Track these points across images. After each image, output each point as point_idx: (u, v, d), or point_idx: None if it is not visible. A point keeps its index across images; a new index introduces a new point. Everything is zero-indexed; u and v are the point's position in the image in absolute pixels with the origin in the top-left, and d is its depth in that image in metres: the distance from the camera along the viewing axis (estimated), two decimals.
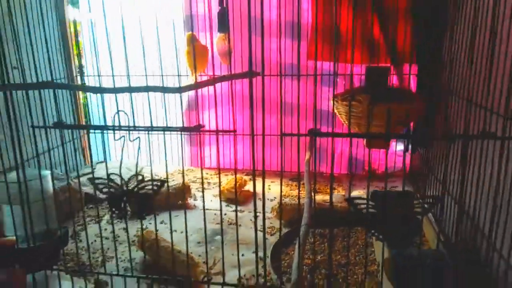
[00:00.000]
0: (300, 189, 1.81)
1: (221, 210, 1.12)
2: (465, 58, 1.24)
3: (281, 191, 1.00)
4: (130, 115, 1.03)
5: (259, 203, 1.02)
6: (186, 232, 1.03)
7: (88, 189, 1.80)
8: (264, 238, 1.02)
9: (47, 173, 1.23)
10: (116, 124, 1.01)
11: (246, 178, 2.04)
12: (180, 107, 1.46)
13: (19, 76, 1.13)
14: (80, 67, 2.31)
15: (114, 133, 1.03)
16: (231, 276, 1.22)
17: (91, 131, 2.28)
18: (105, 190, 1.07)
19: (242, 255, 1.37)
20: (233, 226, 1.62)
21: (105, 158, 1.13)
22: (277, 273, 1.24)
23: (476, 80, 1.07)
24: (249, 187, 1.97)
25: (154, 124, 1.03)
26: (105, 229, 1.59)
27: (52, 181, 1.18)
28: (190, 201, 1.87)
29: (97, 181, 1.07)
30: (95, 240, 1.50)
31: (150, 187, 1.05)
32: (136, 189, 1.05)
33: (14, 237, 1.13)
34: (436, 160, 1.54)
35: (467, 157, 0.97)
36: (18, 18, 1.12)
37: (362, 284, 1.14)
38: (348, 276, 1.23)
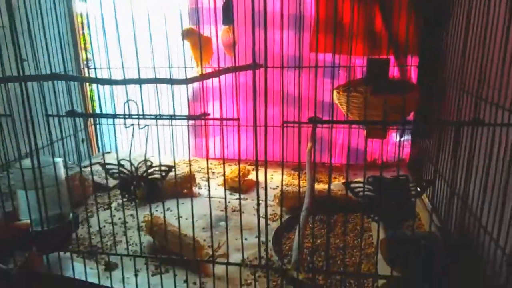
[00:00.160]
0: (302, 178, 1.87)
1: (225, 197, 1.18)
2: (460, 49, 1.29)
3: (282, 179, 1.05)
4: (139, 104, 1.09)
5: (262, 192, 1.06)
6: (193, 217, 1.08)
7: (96, 177, 1.87)
8: (266, 224, 1.07)
9: (59, 160, 1.30)
10: (125, 113, 1.07)
11: (250, 167, 2.09)
12: (186, 98, 1.52)
13: (34, 67, 1.18)
14: (87, 59, 2.37)
15: (125, 121, 1.09)
16: (235, 258, 1.28)
17: (102, 121, 2.34)
18: (115, 175, 1.13)
19: (245, 239, 1.43)
20: (236, 212, 1.68)
21: (116, 146, 1.19)
22: (278, 255, 1.30)
23: (469, 70, 1.12)
24: (252, 176, 2.03)
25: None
26: (114, 216, 1.66)
27: (66, 168, 1.24)
28: (195, 189, 1.93)
29: (107, 167, 1.13)
30: (104, 226, 1.56)
31: (158, 172, 1.11)
32: (145, 174, 1.11)
33: (29, 221, 1.20)
34: (431, 147, 1.60)
35: (460, 143, 1.02)
36: (31, 12, 1.16)
37: (359, 265, 1.20)
38: (346, 258, 1.29)
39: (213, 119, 1.04)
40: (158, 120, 1.09)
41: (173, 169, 1.10)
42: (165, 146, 2.11)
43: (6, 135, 1.16)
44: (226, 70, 1.18)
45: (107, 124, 2.24)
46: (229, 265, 1.08)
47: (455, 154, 0.96)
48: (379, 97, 1.40)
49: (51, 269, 1.17)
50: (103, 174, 1.97)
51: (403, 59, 1.96)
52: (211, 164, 2.32)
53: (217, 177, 2.13)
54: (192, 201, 1.07)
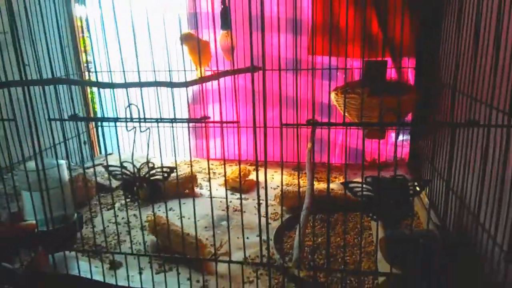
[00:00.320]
0: (302, 177, 1.89)
1: (226, 197, 1.21)
2: (454, 51, 1.31)
3: (281, 179, 1.07)
4: (140, 108, 1.11)
5: (262, 192, 1.07)
6: (195, 217, 1.10)
7: (99, 178, 1.89)
8: (267, 223, 1.09)
9: (63, 162, 1.32)
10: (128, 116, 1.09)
11: (250, 168, 2.11)
12: (186, 101, 1.54)
13: (36, 72, 1.20)
14: (87, 62, 2.40)
15: (126, 124, 1.11)
16: (237, 257, 1.30)
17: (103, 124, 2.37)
18: (118, 177, 1.15)
19: (247, 238, 1.45)
20: (237, 212, 1.70)
21: (118, 148, 1.21)
22: (280, 253, 1.32)
23: (464, 72, 1.14)
24: (252, 176, 2.05)
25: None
26: (117, 216, 1.68)
27: (69, 170, 1.26)
28: (197, 190, 1.96)
29: (110, 168, 1.15)
30: (108, 226, 1.58)
31: (160, 174, 1.13)
32: (147, 175, 1.13)
33: (34, 221, 1.22)
34: (428, 147, 1.62)
35: (455, 143, 1.04)
36: (31, 16, 1.18)
37: (360, 262, 1.22)
38: (347, 256, 1.31)
39: (213, 122, 1.06)
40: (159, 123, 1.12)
41: (175, 171, 1.12)
42: (166, 147, 2.14)
43: (9, 138, 1.18)
44: (225, 73, 1.20)
45: (109, 126, 2.27)
46: (232, 263, 1.10)
47: (452, 154, 0.98)
48: (376, 99, 1.42)
49: (57, 268, 1.19)
50: (106, 175, 1.99)
51: (400, 61, 1.98)
52: (212, 164, 2.35)
53: (218, 177, 2.16)
54: (194, 201, 1.09)
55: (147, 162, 1.12)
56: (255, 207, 1.76)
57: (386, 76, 1.66)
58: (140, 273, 1.20)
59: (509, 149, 0.89)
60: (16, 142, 1.13)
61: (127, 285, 1.16)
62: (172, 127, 1.16)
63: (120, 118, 1.12)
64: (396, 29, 1.90)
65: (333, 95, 1.67)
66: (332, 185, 1.81)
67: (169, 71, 1.38)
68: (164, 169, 1.12)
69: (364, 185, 0.95)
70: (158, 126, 1.12)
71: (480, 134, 1.06)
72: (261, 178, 1.05)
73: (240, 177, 1.49)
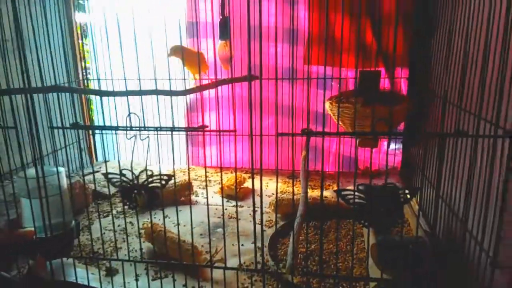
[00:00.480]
0: (296, 185, 1.92)
1: (222, 205, 1.24)
2: (444, 62, 1.35)
3: (276, 187, 1.10)
4: (140, 116, 1.13)
5: (258, 199, 1.09)
6: (191, 224, 1.13)
7: (96, 185, 1.91)
8: (262, 230, 1.11)
9: (62, 170, 1.34)
10: (127, 125, 1.12)
11: (245, 175, 2.14)
12: (184, 109, 1.56)
13: (40, 79, 1.23)
14: (85, 68, 2.42)
15: (126, 133, 1.14)
16: (232, 263, 1.33)
17: (102, 131, 2.38)
18: (117, 184, 1.17)
19: (242, 245, 1.47)
20: (233, 219, 1.73)
21: (118, 155, 1.23)
22: (274, 260, 1.35)
23: (454, 83, 1.18)
24: (248, 184, 2.08)
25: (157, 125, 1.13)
26: (113, 223, 1.69)
27: (69, 177, 1.28)
28: (193, 197, 1.98)
29: (109, 175, 1.18)
30: (104, 233, 1.60)
31: (158, 181, 1.15)
32: (146, 182, 1.15)
33: (32, 228, 1.24)
34: (419, 156, 1.66)
35: (444, 152, 1.07)
36: (31, 24, 1.20)
37: (352, 268, 1.25)
38: (339, 262, 1.34)
39: (210, 131, 1.09)
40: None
41: (172, 178, 1.14)
42: (162, 155, 2.16)
43: (10, 145, 1.19)
44: (222, 82, 1.23)
45: (106, 134, 2.29)
46: (227, 269, 1.13)
47: (441, 162, 1.02)
48: (370, 108, 1.46)
49: (54, 275, 1.21)
50: (102, 183, 2.01)
51: (393, 71, 2.03)
52: (208, 172, 2.37)
53: (214, 185, 2.18)
54: (191, 208, 1.12)
55: (146, 169, 1.15)
56: (250, 214, 1.79)
57: (379, 86, 1.70)
58: (137, 280, 1.22)
59: (495, 158, 0.93)
60: (15, 149, 1.15)
61: None
62: (172, 135, 1.19)
63: (120, 127, 1.14)
64: (389, 40, 1.94)
65: (327, 104, 1.70)
66: (325, 193, 1.84)
67: (169, 79, 1.41)
68: (163, 177, 1.15)
69: (356, 193, 0.98)
70: (157, 134, 1.14)
71: (468, 143, 1.09)
72: (257, 185, 1.07)
73: (236, 185, 1.52)
